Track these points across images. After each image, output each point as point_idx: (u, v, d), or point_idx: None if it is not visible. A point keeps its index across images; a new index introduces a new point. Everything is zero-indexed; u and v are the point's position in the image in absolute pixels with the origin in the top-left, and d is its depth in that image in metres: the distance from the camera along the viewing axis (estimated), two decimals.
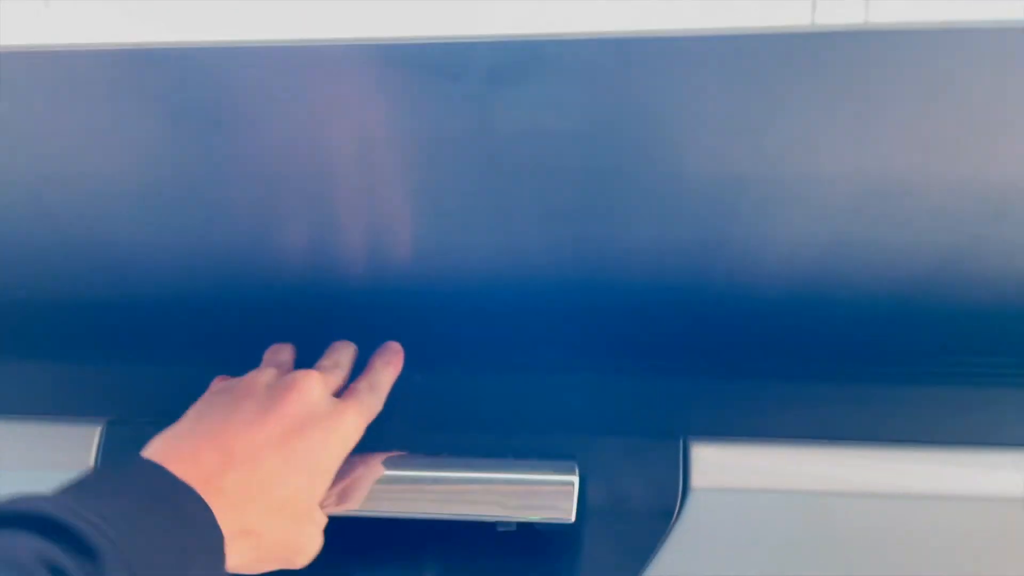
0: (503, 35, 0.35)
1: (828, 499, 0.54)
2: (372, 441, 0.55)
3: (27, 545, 0.37)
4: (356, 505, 0.54)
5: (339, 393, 0.55)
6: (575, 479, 0.53)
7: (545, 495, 0.53)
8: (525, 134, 0.41)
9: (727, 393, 0.57)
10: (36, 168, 0.47)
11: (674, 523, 0.55)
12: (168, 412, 0.58)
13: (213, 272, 0.56)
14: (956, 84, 0.36)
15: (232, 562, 0.46)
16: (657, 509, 0.55)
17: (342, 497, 0.54)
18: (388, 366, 0.57)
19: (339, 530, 0.54)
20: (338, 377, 0.56)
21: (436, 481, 0.55)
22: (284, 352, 0.58)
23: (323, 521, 0.53)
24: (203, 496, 0.45)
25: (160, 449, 0.49)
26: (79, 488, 0.43)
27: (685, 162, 0.42)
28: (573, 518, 0.53)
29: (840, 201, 0.45)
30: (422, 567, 0.58)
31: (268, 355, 0.58)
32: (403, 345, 0.59)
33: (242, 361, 0.59)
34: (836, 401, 0.57)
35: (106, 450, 0.60)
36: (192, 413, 0.52)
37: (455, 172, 0.44)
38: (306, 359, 0.59)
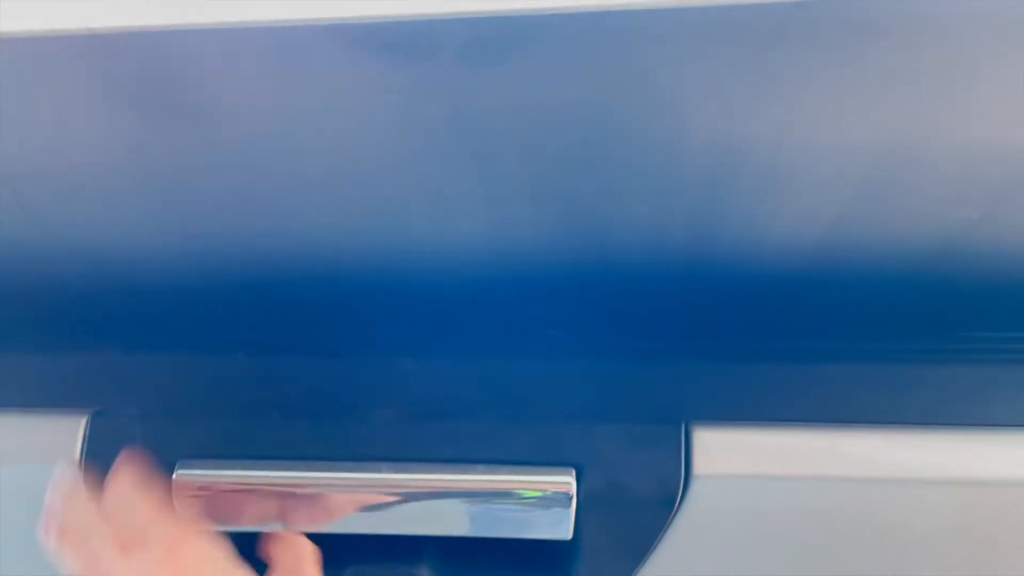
0: (483, 11, 0.33)
1: (837, 485, 0.53)
2: (365, 431, 0.54)
3: None
4: (349, 526, 0.55)
5: None
6: (572, 496, 0.53)
7: (541, 514, 0.53)
8: (510, 112, 0.39)
9: (730, 375, 0.56)
10: (9, 157, 0.45)
11: (676, 512, 0.54)
12: (154, 402, 0.59)
13: (197, 260, 0.54)
14: (966, 50, 0.35)
15: None
16: (658, 498, 0.54)
17: (332, 515, 0.54)
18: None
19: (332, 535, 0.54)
20: None
21: (428, 498, 0.54)
22: None
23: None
24: None
25: None
26: None
27: (681, 136, 0.41)
28: (570, 536, 0.53)
29: (845, 174, 0.43)
30: (417, 558, 0.57)
31: None
32: (391, 330, 0.58)
33: (227, 348, 0.59)
34: (845, 382, 0.55)
35: (91, 442, 0.59)
36: None
37: (437, 153, 0.42)
38: (295, 345, 0.58)
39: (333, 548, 0.55)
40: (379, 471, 0.54)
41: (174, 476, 0.56)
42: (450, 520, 0.54)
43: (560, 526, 0.53)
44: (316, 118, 0.41)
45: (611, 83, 0.37)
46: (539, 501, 0.53)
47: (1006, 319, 0.55)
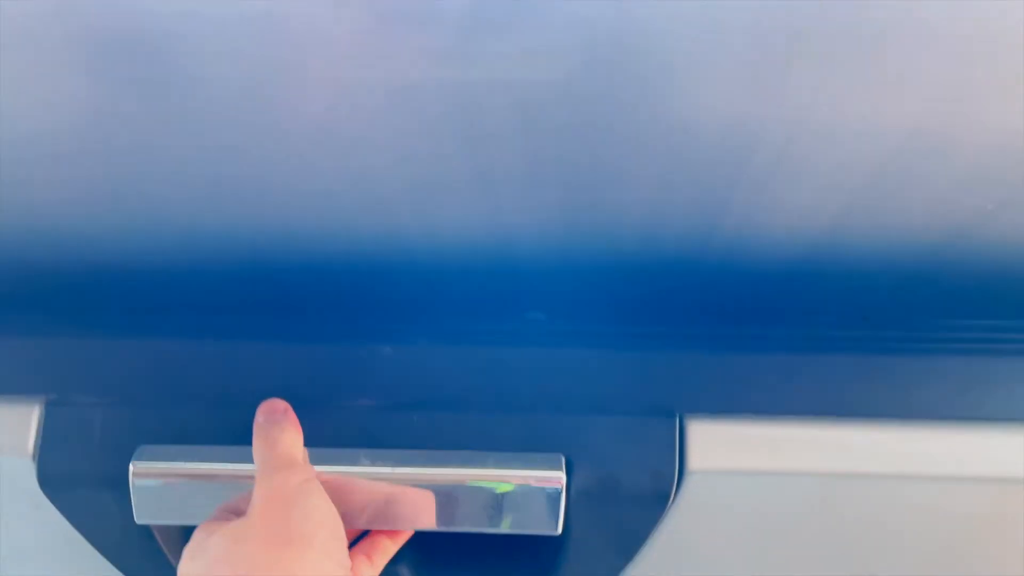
0: None
1: (836, 481, 0.51)
2: (341, 422, 0.52)
3: None
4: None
5: None
6: (562, 490, 0.51)
7: (529, 509, 0.51)
8: (505, 86, 0.37)
9: (727, 366, 0.54)
10: None
11: (668, 508, 0.52)
12: (113, 390, 0.55)
13: (161, 240, 0.51)
14: (989, 32, 0.33)
15: None
16: (650, 493, 0.52)
17: None
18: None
19: None
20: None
21: (414, 491, 0.52)
22: None
23: None
24: None
25: None
26: None
27: (685, 115, 0.39)
28: (560, 531, 0.52)
29: (858, 160, 0.41)
30: (396, 555, 0.55)
31: None
32: (369, 316, 0.55)
33: (192, 334, 0.56)
34: (847, 374, 0.53)
35: (46, 432, 0.55)
36: None
37: (429, 129, 0.40)
38: (266, 330, 0.55)
39: None
40: (357, 463, 0.52)
41: (131, 466, 0.53)
42: (433, 515, 0.52)
43: (549, 521, 0.51)
44: (297, 89, 0.38)
45: (613, 60, 0.35)
46: (527, 495, 0.51)
47: (1014, 311, 0.54)
